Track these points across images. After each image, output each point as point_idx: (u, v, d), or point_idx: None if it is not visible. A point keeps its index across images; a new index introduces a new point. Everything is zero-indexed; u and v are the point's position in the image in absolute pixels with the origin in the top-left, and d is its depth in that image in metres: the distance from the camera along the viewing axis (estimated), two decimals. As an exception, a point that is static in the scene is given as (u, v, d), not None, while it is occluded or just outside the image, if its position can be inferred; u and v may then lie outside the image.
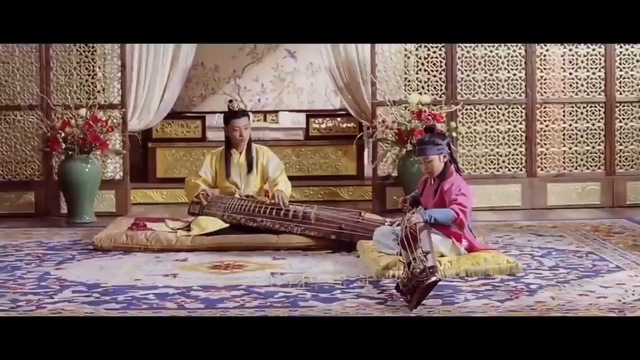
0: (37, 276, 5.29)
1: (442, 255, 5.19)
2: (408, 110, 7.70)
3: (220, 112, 8.89)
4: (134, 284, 5.03)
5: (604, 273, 5.18)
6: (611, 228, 6.80)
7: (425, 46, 8.04)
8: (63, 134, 7.47)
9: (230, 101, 6.68)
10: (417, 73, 8.10)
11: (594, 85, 8.15)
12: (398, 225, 5.23)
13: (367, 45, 8.15)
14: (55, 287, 5.00)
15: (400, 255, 4.84)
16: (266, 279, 5.12)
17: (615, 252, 5.79)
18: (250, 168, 6.55)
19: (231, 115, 6.52)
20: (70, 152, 7.51)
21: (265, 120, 10.44)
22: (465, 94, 8.09)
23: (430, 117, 7.48)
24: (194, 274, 5.30)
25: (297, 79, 10.59)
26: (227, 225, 6.23)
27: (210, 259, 5.73)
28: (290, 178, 6.75)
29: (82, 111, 7.54)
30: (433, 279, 4.37)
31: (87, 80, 7.99)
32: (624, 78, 8.14)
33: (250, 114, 7.07)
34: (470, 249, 5.35)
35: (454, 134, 7.77)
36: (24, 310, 4.48)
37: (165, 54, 8.36)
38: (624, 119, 8.16)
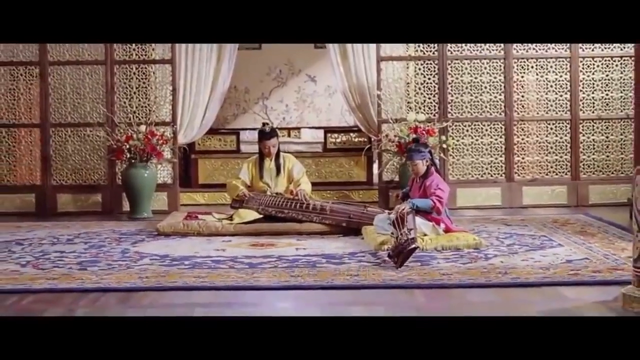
0: (119, 251, 6.93)
1: (424, 235, 6.82)
2: (406, 126, 9.13)
3: (251, 129, 10.38)
4: (194, 255, 6.67)
5: (547, 248, 6.76)
6: (568, 220, 8.27)
7: (422, 74, 9.48)
8: (127, 146, 9.07)
9: (264, 124, 8.44)
10: (415, 96, 9.48)
11: (561, 105, 9.52)
12: (391, 214, 6.87)
13: (375, 72, 9.54)
14: (136, 257, 6.64)
15: (392, 233, 6.47)
16: (292, 252, 6.77)
17: (562, 236, 7.32)
18: (278, 171, 8.24)
19: (263, 136, 8.23)
20: (132, 161, 9.08)
21: (289, 135, 11.63)
22: (455, 113, 9.49)
23: (424, 132, 8.98)
24: (238, 250, 6.92)
25: (316, 100, 11.67)
26: (262, 216, 7.91)
27: (249, 241, 7.34)
28: (311, 183, 8.33)
29: (142, 127, 9.11)
30: (413, 245, 6.04)
31: (143, 102, 9.51)
32: (586, 100, 9.51)
33: (277, 131, 8.66)
34: (447, 230, 6.98)
35: (445, 146, 9.28)
36: (116, 270, 6.13)
37: (206, 79, 9.71)
38: (586, 133, 9.55)
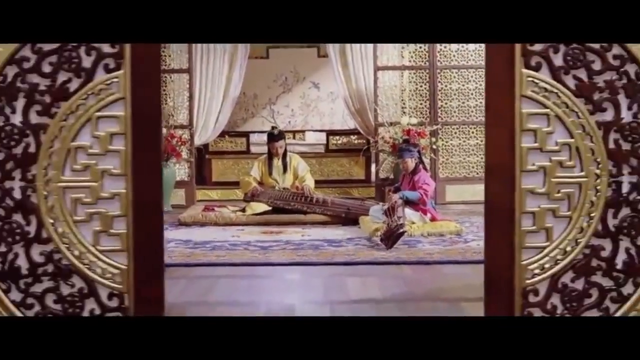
0: (147, 237, 7.98)
1: (413, 223, 7.85)
2: (400, 129, 10.04)
3: (259, 132, 11.25)
4: (213, 240, 7.69)
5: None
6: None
7: (415, 82, 10.37)
8: (150, 146, 10.04)
9: (273, 127, 9.56)
10: (408, 101, 10.42)
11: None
12: (385, 205, 7.94)
13: (372, 79, 10.44)
14: (162, 241, 7.69)
15: (384, 221, 7.50)
16: (298, 237, 7.81)
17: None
18: (285, 169, 9.31)
19: (272, 138, 9.31)
20: (154, 160, 10.08)
21: (294, 137, 12.51)
22: (444, 117, 10.37)
23: (417, 134, 9.98)
24: (250, 236, 7.94)
25: (319, 105, 12.46)
26: (271, 208, 8.97)
27: (260, 229, 8.35)
28: (314, 180, 9.33)
29: (164, 130, 10.05)
30: (402, 230, 7.07)
31: (164, 108, 10.33)
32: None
33: (284, 133, 9.67)
34: (433, 219, 8.03)
35: (435, 147, 10.23)
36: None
37: (219, 86, 10.64)
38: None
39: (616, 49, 3.34)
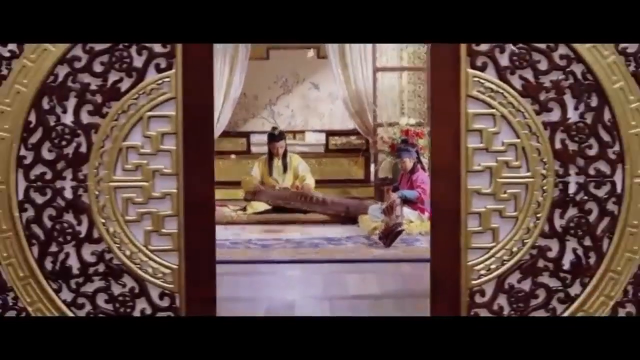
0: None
1: (411, 221, 7.94)
2: (399, 129, 10.06)
3: (260, 132, 11.25)
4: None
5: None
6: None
7: (413, 83, 10.48)
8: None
9: (274, 128, 9.75)
10: (407, 102, 10.52)
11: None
12: (383, 204, 8.02)
13: (371, 81, 10.49)
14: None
15: (383, 220, 7.58)
16: (298, 236, 7.85)
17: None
18: (285, 169, 9.44)
19: (273, 138, 9.40)
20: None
21: (294, 138, 12.36)
22: None
23: (415, 135, 9.95)
24: (251, 235, 8.03)
25: (319, 105, 12.36)
26: (271, 207, 9.07)
27: (261, 228, 8.46)
28: (314, 180, 9.44)
29: None
30: (400, 228, 7.19)
31: None
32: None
33: (284, 134, 9.77)
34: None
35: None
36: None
37: (220, 87, 10.58)
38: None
39: (562, 49, 3.33)
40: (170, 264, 3.34)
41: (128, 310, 3.34)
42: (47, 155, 3.27)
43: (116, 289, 3.34)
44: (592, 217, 3.39)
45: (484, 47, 3.32)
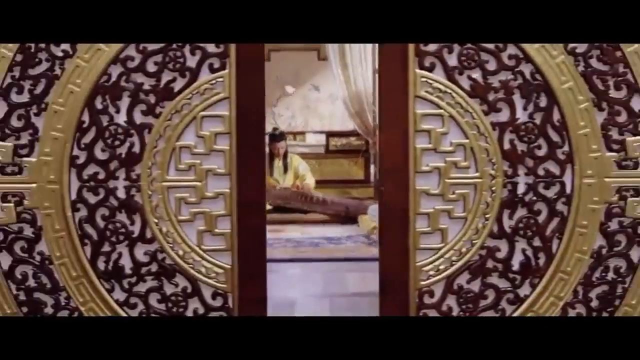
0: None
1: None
2: None
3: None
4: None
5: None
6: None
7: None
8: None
9: (274, 129, 9.74)
10: None
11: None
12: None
13: (371, 81, 10.45)
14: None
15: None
16: (299, 235, 7.86)
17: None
18: (286, 169, 9.50)
19: (273, 139, 9.46)
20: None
21: (295, 139, 12.25)
22: None
23: None
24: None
25: (320, 107, 12.41)
26: (272, 207, 9.08)
27: (263, 228, 8.49)
28: (314, 180, 9.48)
29: None
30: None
31: None
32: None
33: (285, 135, 9.84)
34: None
35: None
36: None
37: None
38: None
39: (511, 49, 3.34)
40: (222, 263, 3.35)
41: (180, 310, 3.35)
42: (100, 155, 3.28)
43: (169, 289, 3.36)
44: (541, 218, 3.40)
45: (432, 47, 3.33)
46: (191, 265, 3.34)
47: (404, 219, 3.33)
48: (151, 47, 3.26)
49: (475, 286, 3.41)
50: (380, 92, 3.37)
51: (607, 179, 3.36)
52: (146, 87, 3.27)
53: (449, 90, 3.30)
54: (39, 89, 3.25)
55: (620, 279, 3.43)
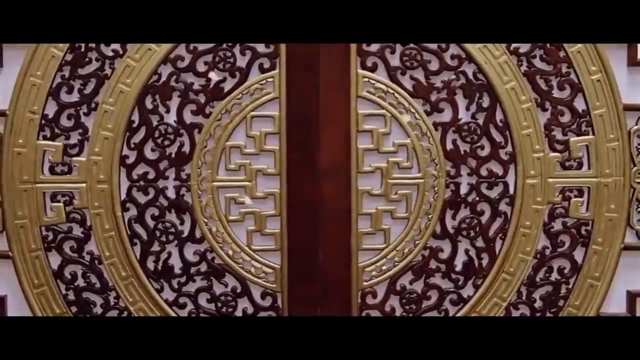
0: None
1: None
2: None
3: None
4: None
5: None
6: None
7: None
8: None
9: None
10: None
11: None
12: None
13: None
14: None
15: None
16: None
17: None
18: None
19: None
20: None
21: None
22: None
23: None
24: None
25: None
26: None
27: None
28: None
29: None
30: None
31: None
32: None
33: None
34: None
35: None
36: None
37: None
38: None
39: (454, 49, 3.30)
40: (272, 263, 3.35)
41: (230, 309, 3.35)
42: (150, 154, 3.29)
43: (218, 289, 3.36)
44: (484, 218, 3.37)
45: (374, 47, 3.30)
46: (241, 265, 3.34)
47: (346, 220, 3.31)
48: (201, 47, 3.26)
49: (418, 287, 3.39)
50: (321, 91, 3.29)
51: (550, 179, 3.34)
52: (196, 87, 3.27)
53: (392, 91, 3.29)
54: (88, 89, 3.26)
55: (564, 279, 3.41)
